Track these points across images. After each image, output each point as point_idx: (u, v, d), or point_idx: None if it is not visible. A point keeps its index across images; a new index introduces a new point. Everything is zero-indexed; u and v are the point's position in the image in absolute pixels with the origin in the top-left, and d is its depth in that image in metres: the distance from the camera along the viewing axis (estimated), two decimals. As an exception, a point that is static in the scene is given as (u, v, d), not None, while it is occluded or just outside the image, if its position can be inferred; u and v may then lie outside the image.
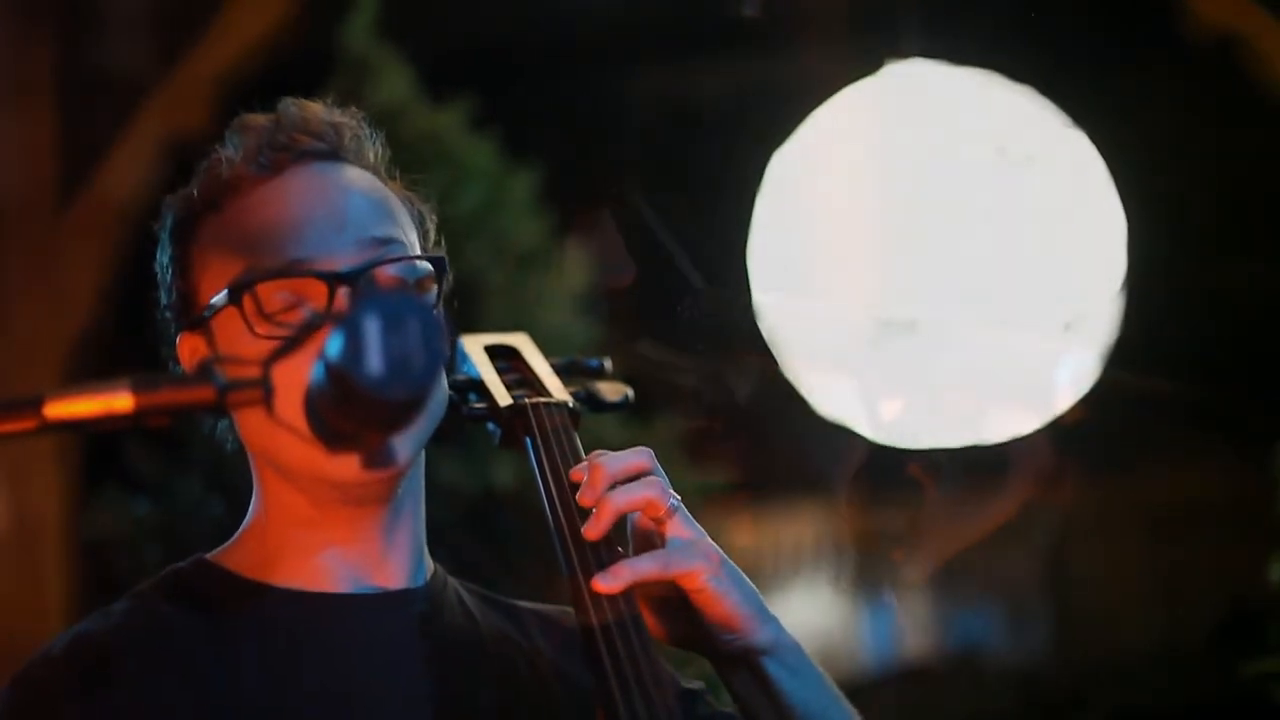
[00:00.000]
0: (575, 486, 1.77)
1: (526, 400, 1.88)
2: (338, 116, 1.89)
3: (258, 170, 1.81)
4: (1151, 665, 7.47)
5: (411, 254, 1.82)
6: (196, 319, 1.82)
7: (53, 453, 4.85)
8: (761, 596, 1.79)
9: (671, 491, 1.76)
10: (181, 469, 4.02)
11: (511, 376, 1.96)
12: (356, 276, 1.75)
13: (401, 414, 1.42)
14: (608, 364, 2.05)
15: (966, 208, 5.03)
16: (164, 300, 1.88)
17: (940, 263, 5.05)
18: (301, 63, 4.68)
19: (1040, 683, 7.32)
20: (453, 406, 1.88)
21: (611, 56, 6.73)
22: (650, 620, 1.77)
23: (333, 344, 1.38)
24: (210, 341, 1.81)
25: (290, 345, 1.50)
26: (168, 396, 1.42)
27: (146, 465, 4.12)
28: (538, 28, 6.46)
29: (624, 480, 1.76)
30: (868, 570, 8.32)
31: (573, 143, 6.31)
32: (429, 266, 1.83)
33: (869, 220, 5.11)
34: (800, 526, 8.17)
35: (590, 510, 1.74)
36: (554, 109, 6.73)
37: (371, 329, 1.37)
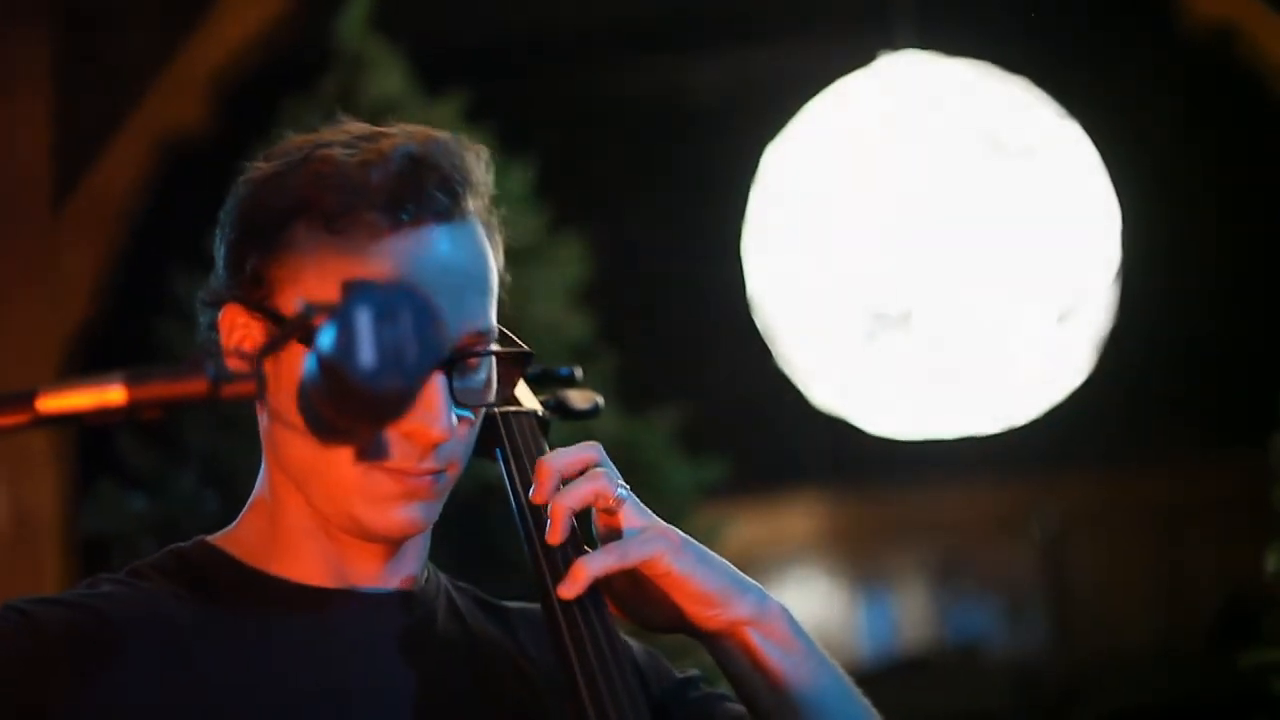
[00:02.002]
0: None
1: (496, 410, 1.88)
2: (476, 169, 1.81)
3: (392, 222, 1.73)
4: (1149, 657, 7.48)
5: (499, 341, 1.79)
6: (264, 310, 1.76)
7: (48, 450, 4.85)
8: (735, 569, 1.78)
9: (620, 481, 1.76)
10: (177, 464, 4.03)
11: None
12: (453, 363, 1.72)
13: (393, 407, 1.42)
14: (578, 372, 2.06)
15: (960, 199, 5.03)
16: (224, 257, 1.80)
17: (934, 254, 5.05)
18: (297, 58, 4.68)
19: (1038, 675, 7.33)
20: None
21: (606, 50, 6.74)
22: (630, 611, 1.78)
23: (325, 336, 1.38)
24: (269, 335, 1.75)
25: (284, 338, 1.49)
26: (160, 389, 1.42)
27: (142, 461, 4.12)
28: (533, 22, 6.47)
29: (572, 475, 1.76)
30: (865, 562, 8.33)
31: (567, 137, 6.31)
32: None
33: (863, 212, 5.11)
34: (796, 518, 8.18)
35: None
36: (549, 103, 6.73)
37: (364, 321, 1.37)
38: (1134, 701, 7.06)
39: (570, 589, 1.69)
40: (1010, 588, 8.21)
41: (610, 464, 1.78)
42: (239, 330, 1.77)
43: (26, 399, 1.40)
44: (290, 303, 1.74)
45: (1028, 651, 8.02)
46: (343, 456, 1.69)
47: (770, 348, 5.40)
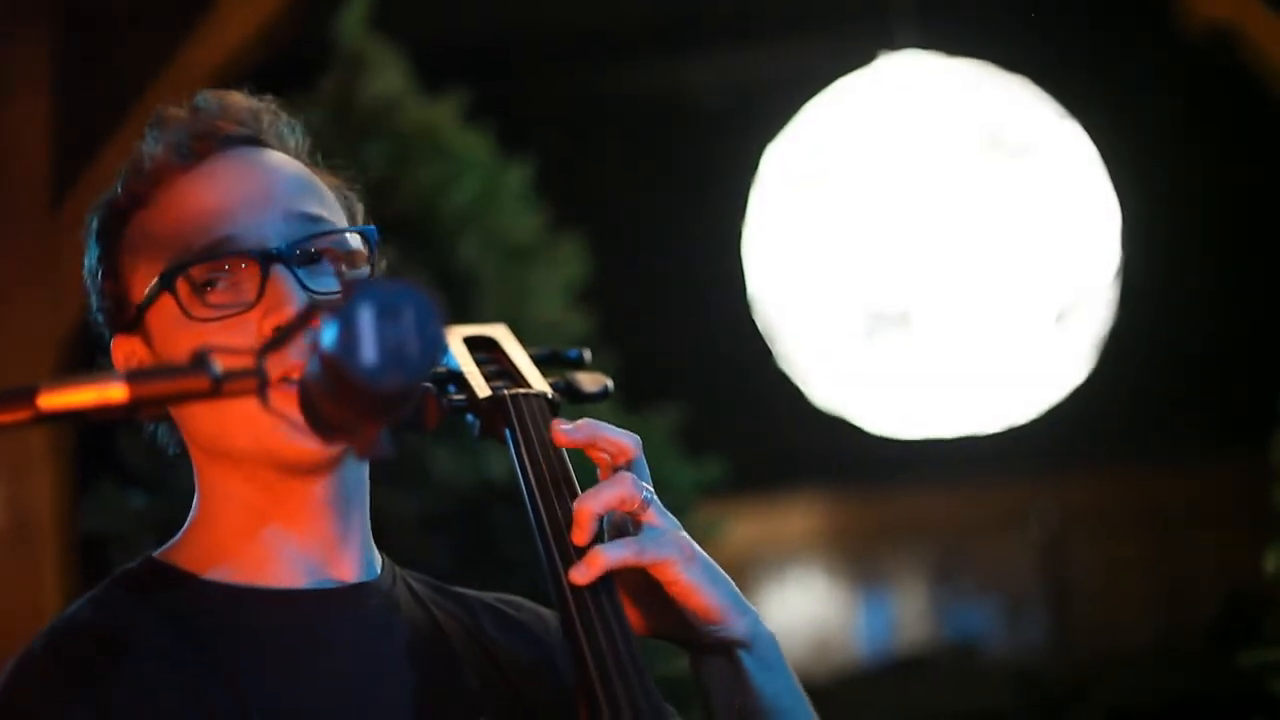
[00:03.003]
0: (554, 475, 1.78)
1: (505, 392, 1.87)
2: (256, 103, 1.89)
3: (180, 159, 1.82)
4: (1148, 657, 7.48)
5: (344, 228, 1.83)
6: (131, 319, 1.83)
7: (47, 448, 4.85)
8: (737, 588, 1.79)
9: (644, 484, 1.76)
10: (176, 462, 4.02)
11: (490, 368, 1.95)
12: (287, 252, 1.76)
13: (396, 403, 1.41)
14: (587, 354, 2.05)
15: (961, 199, 5.03)
16: (95, 305, 1.88)
17: (935, 254, 5.06)
18: (297, 57, 4.68)
19: (1037, 675, 7.34)
20: (430, 399, 1.87)
21: (606, 50, 6.73)
22: (630, 612, 1.77)
23: (327, 334, 1.38)
24: (147, 341, 1.82)
25: (282, 337, 1.49)
26: (162, 387, 1.42)
27: (141, 459, 4.11)
28: (532, 21, 6.46)
29: (609, 451, 1.78)
30: (864, 562, 8.33)
31: (567, 136, 6.31)
32: (358, 240, 1.83)
33: (863, 212, 5.11)
34: (796, 518, 8.18)
35: (568, 498, 1.75)
36: (548, 102, 6.73)
37: (366, 318, 1.37)
38: (1133, 701, 7.05)
39: (584, 574, 1.69)
40: (1009, 587, 8.21)
41: (643, 460, 1.79)
42: (133, 358, 1.84)
43: (28, 396, 1.40)
44: (143, 288, 1.80)
45: (1027, 651, 8.03)
46: (290, 414, 1.67)
47: (770, 347, 5.41)
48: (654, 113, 6.85)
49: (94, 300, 1.88)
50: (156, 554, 1.84)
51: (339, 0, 4.53)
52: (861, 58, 5.24)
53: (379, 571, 1.87)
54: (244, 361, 1.44)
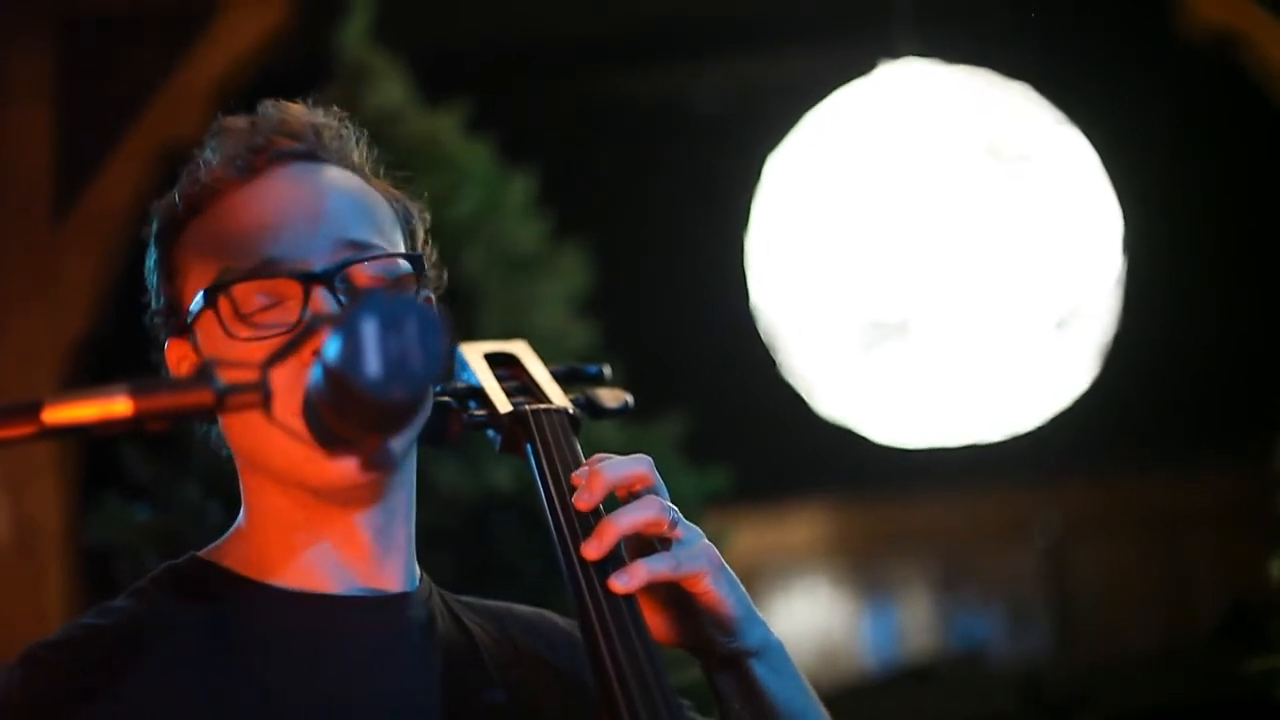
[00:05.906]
0: (576, 491, 1.78)
1: (527, 407, 1.89)
2: (317, 117, 1.89)
3: (236, 173, 1.82)
4: (1153, 663, 7.47)
5: (389, 253, 1.81)
6: (181, 325, 1.83)
7: (52, 461, 4.85)
8: (750, 599, 1.80)
9: (668, 503, 1.77)
10: (181, 475, 4.02)
11: (511, 384, 1.97)
12: (331, 276, 1.75)
13: (400, 416, 1.42)
14: (607, 370, 2.06)
15: (961, 207, 5.04)
16: (153, 306, 1.88)
17: (936, 262, 5.06)
18: (298, 68, 4.68)
19: (1042, 682, 7.33)
20: (452, 414, 1.89)
21: (608, 60, 6.73)
22: (651, 623, 1.78)
23: (331, 346, 1.38)
24: (195, 347, 1.82)
25: (287, 349, 1.50)
26: (166, 401, 1.42)
27: (145, 472, 4.11)
28: (534, 32, 6.46)
29: (623, 487, 1.78)
30: (869, 570, 8.32)
31: (569, 146, 6.31)
32: (407, 266, 1.83)
33: (865, 221, 5.11)
34: (800, 527, 8.17)
35: (589, 514, 1.75)
36: (550, 112, 6.73)
37: (369, 330, 1.37)
38: (1138, 707, 7.04)
39: (625, 584, 1.70)
40: (1013, 595, 8.20)
41: (660, 479, 1.80)
42: (185, 361, 1.84)
43: (33, 410, 1.40)
44: (193, 296, 1.80)
45: (1031, 658, 8.01)
46: (295, 427, 1.68)
47: (774, 356, 5.41)
48: (656, 122, 6.85)
49: (152, 301, 1.88)
50: (201, 552, 1.86)
51: (341, 11, 4.53)
52: (862, 66, 5.24)
53: (417, 584, 1.88)
54: (251, 375, 1.45)
